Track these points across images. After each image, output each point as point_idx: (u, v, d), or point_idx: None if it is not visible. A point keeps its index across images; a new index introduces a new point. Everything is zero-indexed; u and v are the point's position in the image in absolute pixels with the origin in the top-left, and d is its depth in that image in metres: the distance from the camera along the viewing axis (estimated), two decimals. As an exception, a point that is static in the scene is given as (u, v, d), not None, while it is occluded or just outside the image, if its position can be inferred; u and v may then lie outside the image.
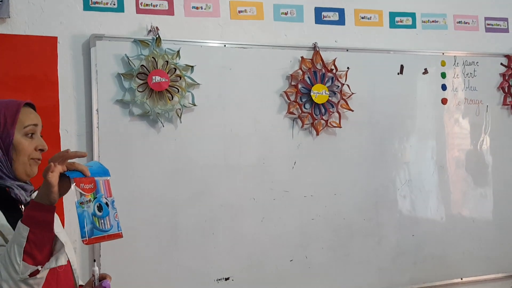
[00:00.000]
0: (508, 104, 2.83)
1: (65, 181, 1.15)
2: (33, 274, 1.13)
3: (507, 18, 2.91)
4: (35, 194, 1.36)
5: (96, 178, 1.19)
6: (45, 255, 1.15)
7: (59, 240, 1.21)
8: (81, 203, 1.14)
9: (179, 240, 2.24)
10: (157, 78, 2.18)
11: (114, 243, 1.26)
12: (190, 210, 2.26)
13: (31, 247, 1.12)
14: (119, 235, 1.20)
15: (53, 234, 1.19)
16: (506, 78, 2.83)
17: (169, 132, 2.24)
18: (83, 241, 1.13)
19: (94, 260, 2.09)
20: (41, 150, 1.32)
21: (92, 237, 1.14)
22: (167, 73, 2.21)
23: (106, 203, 1.19)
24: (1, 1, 2.05)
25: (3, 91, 1.98)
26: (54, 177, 1.13)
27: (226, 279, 2.31)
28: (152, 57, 2.20)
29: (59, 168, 1.15)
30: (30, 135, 1.30)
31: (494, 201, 2.80)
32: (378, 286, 2.55)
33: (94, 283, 1.42)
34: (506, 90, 2.82)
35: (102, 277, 1.45)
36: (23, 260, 1.12)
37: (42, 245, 1.14)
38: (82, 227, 1.13)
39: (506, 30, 2.91)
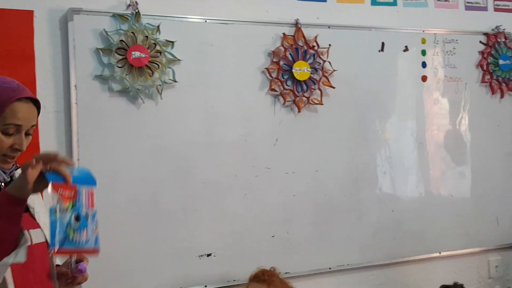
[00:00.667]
0: (486, 82, 2.85)
1: (44, 181, 1.09)
2: None
3: (487, -5, 2.93)
4: (18, 171, 1.33)
5: (78, 187, 1.12)
6: (4, 249, 1.12)
7: (25, 235, 1.17)
8: (56, 210, 1.08)
9: (161, 217, 2.23)
10: (136, 54, 2.15)
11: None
12: (172, 187, 2.25)
13: None
14: (95, 251, 1.13)
15: (19, 228, 1.15)
16: (485, 56, 2.85)
17: (149, 109, 2.22)
18: (50, 251, 1.06)
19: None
20: (17, 149, 1.25)
21: (62, 248, 1.07)
22: (147, 48, 2.18)
23: (86, 215, 1.12)
24: (-26, -28, 1.98)
25: (-22, 66, 1.93)
26: (31, 175, 1.07)
27: (208, 255, 2.31)
28: (132, 32, 2.16)
29: (40, 167, 1.09)
30: (10, 133, 1.23)
31: (472, 178, 2.85)
32: (358, 261, 2.58)
33: (71, 264, 1.40)
34: (485, 68, 2.85)
35: (79, 259, 1.42)
36: None
37: (3, 239, 1.10)
38: (52, 236, 1.06)
39: (485, 8, 2.93)
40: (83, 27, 2.11)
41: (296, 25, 2.47)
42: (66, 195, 1.09)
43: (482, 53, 2.86)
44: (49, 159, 1.11)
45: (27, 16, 2.05)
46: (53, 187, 1.07)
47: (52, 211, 1.07)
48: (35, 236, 1.33)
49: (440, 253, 2.75)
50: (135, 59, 2.15)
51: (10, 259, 1.13)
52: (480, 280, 2.81)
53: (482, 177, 2.87)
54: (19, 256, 1.14)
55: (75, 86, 2.10)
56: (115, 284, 2.15)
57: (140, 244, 2.19)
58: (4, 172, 1.27)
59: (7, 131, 1.22)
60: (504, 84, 2.88)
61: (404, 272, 2.70)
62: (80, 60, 2.11)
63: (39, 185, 1.10)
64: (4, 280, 1.22)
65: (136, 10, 2.18)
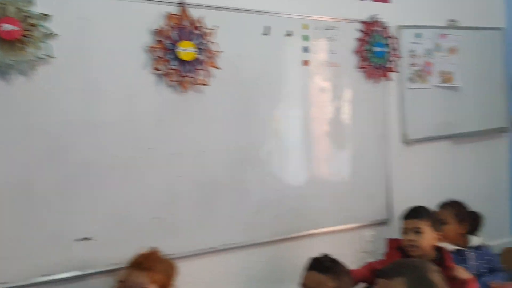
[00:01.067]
0: (363, 67, 3.01)
1: None
2: None
3: (366, -14, 3.08)
4: None
5: None
6: None
7: None
8: None
9: (34, 200, 2.12)
10: (7, 26, 2.00)
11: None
12: (46, 169, 2.14)
13: None
14: None
15: None
16: (362, 43, 3.01)
17: (22, 85, 2.08)
18: None
19: None
20: None
21: None
22: (20, 21, 2.03)
23: None
24: None
25: None
26: None
27: (87, 239, 2.23)
28: (1, 3, 2.00)
29: None
30: None
31: (350, 159, 3.00)
32: (242, 240, 2.63)
33: None
34: (362, 55, 3.01)
35: None
36: None
37: None
38: None
39: (363, -3, 3.08)
40: None
41: (182, 4, 2.44)
42: None
43: (359, 40, 3.00)
44: None
45: None
46: None
47: None
48: None
49: (319, 229, 2.87)
50: (5, 32, 2.00)
51: None
52: (354, 253, 2.98)
53: (358, 158, 3.04)
54: None
55: None
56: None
57: (10, 230, 2.07)
58: None
59: None
60: (378, 70, 3.06)
61: (287, 249, 2.80)
62: None
63: None
64: None
65: (7, -21, 2.02)
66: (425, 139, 3.30)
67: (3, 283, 2.09)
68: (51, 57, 2.13)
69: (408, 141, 3.22)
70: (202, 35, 2.48)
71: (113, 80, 2.29)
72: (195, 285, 2.44)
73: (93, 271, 2.27)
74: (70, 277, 2.23)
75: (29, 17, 2.06)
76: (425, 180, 3.29)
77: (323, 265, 2.03)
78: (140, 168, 2.37)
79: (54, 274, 2.20)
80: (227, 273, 2.60)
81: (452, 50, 3.38)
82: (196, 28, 2.47)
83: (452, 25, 3.41)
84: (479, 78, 3.52)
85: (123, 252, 2.21)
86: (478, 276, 2.65)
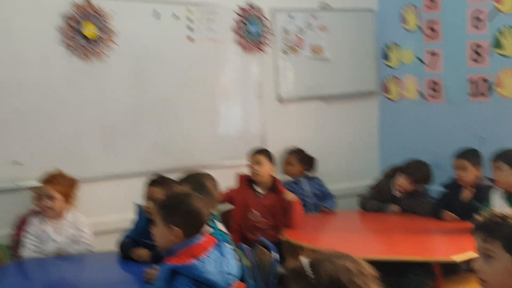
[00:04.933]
0: (240, 43, 3.92)
1: None
2: None
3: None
4: None
5: None
6: None
7: None
8: None
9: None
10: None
11: None
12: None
13: None
14: None
15: None
16: (238, 23, 3.91)
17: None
18: None
19: None
20: None
21: None
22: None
23: None
24: None
25: None
26: None
27: (18, 163, 3.22)
28: None
29: None
30: None
31: (232, 114, 3.95)
32: (139, 170, 3.55)
33: None
34: (239, 33, 3.91)
35: None
36: None
37: None
38: None
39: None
40: None
41: (86, -4, 3.37)
42: None
43: (236, 22, 3.91)
44: None
45: None
46: None
47: None
48: None
49: (201, 165, 3.83)
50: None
51: None
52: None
53: (239, 113, 3.99)
54: None
55: None
56: None
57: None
58: None
59: None
60: (253, 45, 3.97)
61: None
62: None
63: None
64: None
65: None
66: (297, 98, 4.22)
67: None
68: (-17, 34, 3.08)
69: (281, 100, 4.15)
70: (102, 19, 3.40)
71: (33, 50, 3.23)
72: (98, 202, 3.43)
73: (23, 184, 3.24)
74: (6, 188, 3.22)
75: (-33, 7, 3.00)
76: (296, 132, 4.22)
77: (155, 180, 2.96)
78: (56, 115, 3.34)
79: (-5, 185, 3.18)
80: (124, 194, 3.49)
81: (322, 28, 4.27)
82: (98, 14, 3.39)
83: (323, 7, 4.27)
84: (350, 50, 4.40)
85: (42, 173, 3.17)
86: (313, 197, 3.65)
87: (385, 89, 4.51)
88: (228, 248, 2.25)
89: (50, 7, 3.27)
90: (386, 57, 4.48)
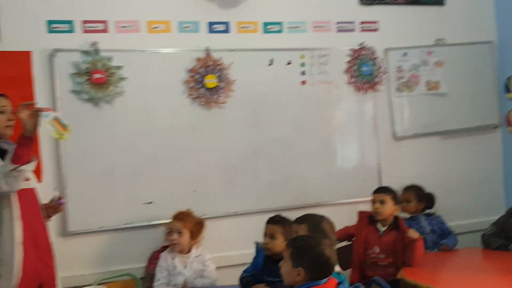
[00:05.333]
0: (352, 83, 4.03)
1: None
2: (15, 169, 2.39)
3: (354, 21, 4.09)
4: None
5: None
6: (25, 161, 2.42)
7: (33, 157, 2.49)
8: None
9: (115, 179, 3.51)
10: (97, 75, 3.43)
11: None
12: (123, 160, 3.53)
13: (16, 155, 2.39)
14: None
15: (30, 153, 2.45)
16: (351, 64, 4.03)
17: (107, 109, 3.49)
18: None
19: (55, 188, 3.33)
20: (11, 120, 2.58)
21: None
22: (104, 71, 3.45)
23: None
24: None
25: None
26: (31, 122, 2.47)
27: (150, 202, 3.58)
28: (94, 62, 3.43)
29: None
30: (2, 112, 2.55)
31: (350, 153, 4.04)
32: (255, 208, 3.77)
33: (54, 201, 2.72)
34: (351, 73, 4.03)
35: (59, 198, 2.74)
36: (11, 163, 2.39)
37: (22, 155, 2.41)
38: None
39: (352, 30, 4.09)
40: (63, 60, 3.40)
41: (207, 50, 3.70)
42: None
43: (348, 62, 4.04)
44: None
45: (26, 55, 3.33)
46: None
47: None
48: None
49: (319, 202, 3.93)
50: (97, 79, 3.43)
51: (29, 166, 2.44)
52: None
53: (355, 151, 4.07)
54: (32, 165, 2.45)
55: (59, 97, 3.39)
56: None
57: (102, 196, 3.49)
58: (7, 143, 2.59)
59: (1, 111, 2.59)
60: (365, 84, 4.06)
61: (293, 215, 3.87)
62: (61, 81, 3.39)
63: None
64: (10, 205, 2.51)
65: (96, 47, 3.45)
66: (413, 135, 4.20)
67: (101, 227, 3.51)
68: (124, 91, 3.51)
69: (396, 137, 4.16)
70: (221, 69, 3.72)
71: (163, 103, 3.62)
72: (221, 238, 3.69)
73: (154, 222, 3.60)
74: (141, 225, 3.58)
75: (109, 68, 3.47)
76: (413, 168, 4.18)
77: (274, 219, 3.12)
78: (183, 159, 3.66)
79: (131, 223, 3.56)
80: (244, 231, 3.72)
81: (438, 64, 4.23)
82: (217, 65, 3.71)
83: (439, 43, 4.25)
84: (469, 84, 4.31)
85: (172, 211, 3.49)
86: (432, 234, 3.60)
87: (508, 123, 4.31)
88: (347, 289, 2.33)
89: (178, 63, 3.64)
90: (508, 90, 4.31)
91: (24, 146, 2.45)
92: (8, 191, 2.45)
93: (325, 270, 2.26)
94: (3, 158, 2.54)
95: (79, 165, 3.43)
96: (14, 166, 2.40)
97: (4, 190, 2.43)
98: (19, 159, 2.42)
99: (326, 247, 2.29)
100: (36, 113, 2.48)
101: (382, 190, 3.59)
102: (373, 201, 3.56)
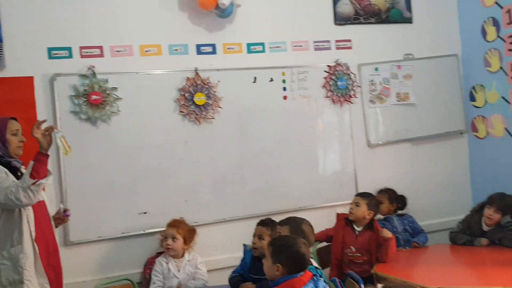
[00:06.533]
0: (328, 97, 4.38)
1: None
2: (35, 183, 2.67)
3: (329, 40, 4.44)
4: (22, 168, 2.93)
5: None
6: (42, 176, 2.71)
7: (49, 171, 2.78)
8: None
9: (114, 191, 3.80)
10: (94, 97, 3.72)
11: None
12: (121, 173, 3.81)
13: (34, 171, 2.68)
14: None
15: (46, 169, 2.75)
16: (327, 80, 4.38)
17: (104, 128, 3.78)
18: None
19: (61, 201, 3.62)
20: (22, 141, 2.88)
21: None
22: (101, 93, 3.75)
23: None
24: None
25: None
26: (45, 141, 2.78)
27: (145, 212, 3.87)
28: (91, 84, 3.72)
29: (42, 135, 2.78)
30: (15, 134, 2.85)
31: (327, 160, 4.38)
32: (243, 214, 4.08)
33: (60, 212, 3.01)
34: (327, 88, 4.38)
35: (65, 210, 3.03)
36: (29, 177, 2.67)
37: (40, 171, 2.69)
38: None
39: (329, 48, 4.44)
40: (62, 83, 3.68)
41: (196, 71, 4.02)
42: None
43: (325, 78, 4.38)
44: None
45: (29, 80, 3.60)
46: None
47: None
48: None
49: (300, 207, 4.27)
50: (94, 100, 3.72)
51: (47, 180, 2.74)
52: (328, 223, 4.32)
53: (333, 159, 4.41)
54: (49, 179, 2.75)
55: (59, 117, 3.68)
56: None
57: (102, 207, 3.78)
58: (18, 162, 2.88)
59: (14, 133, 2.86)
60: (342, 97, 4.41)
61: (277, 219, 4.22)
62: (62, 102, 3.67)
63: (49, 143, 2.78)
64: (25, 216, 2.81)
65: (93, 71, 3.74)
66: (386, 143, 4.56)
67: (99, 236, 3.80)
68: (119, 111, 3.81)
69: (370, 145, 4.52)
70: (210, 88, 4.04)
71: (156, 120, 3.91)
72: (211, 243, 3.99)
73: (149, 231, 3.89)
74: (137, 234, 3.88)
75: (105, 90, 3.75)
76: (386, 173, 4.55)
77: (264, 221, 3.44)
78: (175, 171, 3.96)
79: (128, 232, 3.86)
80: (232, 236, 4.04)
81: (407, 76, 4.61)
82: (205, 83, 4.03)
83: (407, 58, 4.63)
84: (436, 94, 4.69)
85: (166, 220, 3.80)
86: (404, 233, 3.96)
87: (474, 128, 4.71)
88: (322, 282, 2.66)
89: (169, 83, 3.94)
90: (472, 98, 4.70)
91: (41, 162, 2.74)
92: (28, 204, 2.74)
93: (300, 265, 2.59)
94: (15, 175, 2.83)
95: (78, 179, 3.71)
96: (33, 181, 2.68)
97: (24, 203, 2.71)
98: (37, 174, 2.70)
99: (301, 245, 2.62)
100: (49, 132, 2.78)
101: (360, 194, 3.95)
102: (352, 204, 3.90)
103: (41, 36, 3.67)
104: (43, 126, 2.86)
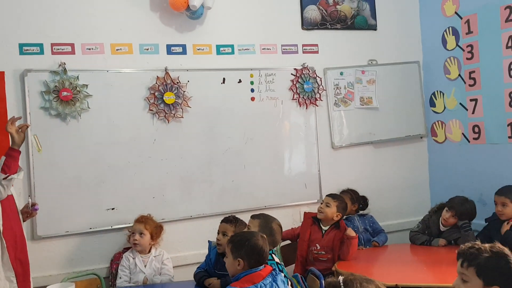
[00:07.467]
0: (295, 99, 4.53)
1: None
2: (6, 178, 2.73)
3: (297, 44, 4.59)
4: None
5: None
6: (13, 171, 2.76)
7: (21, 167, 2.83)
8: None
9: (82, 187, 3.86)
10: (64, 93, 3.77)
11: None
12: (89, 169, 3.88)
13: (6, 166, 2.73)
14: None
15: (17, 164, 2.81)
16: (294, 82, 4.53)
17: (74, 124, 3.84)
18: None
19: (29, 195, 3.66)
20: None
21: None
22: (71, 90, 3.80)
23: None
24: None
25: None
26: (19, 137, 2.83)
27: (113, 208, 3.95)
28: (62, 81, 3.78)
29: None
30: None
31: (292, 161, 4.52)
32: (209, 211, 4.22)
33: (28, 207, 3.07)
34: (294, 90, 4.53)
35: (33, 204, 3.08)
36: (1, 172, 2.73)
37: (11, 166, 2.74)
38: None
39: (296, 52, 4.59)
40: (33, 79, 3.72)
41: (166, 70, 4.11)
42: None
43: (292, 81, 4.53)
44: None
45: (0, 75, 3.65)
46: None
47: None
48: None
49: (265, 206, 4.40)
50: (64, 96, 3.77)
51: (18, 175, 2.78)
52: (292, 222, 4.46)
53: (298, 160, 4.55)
54: (20, 175, 2.80)
55: (29, 113, 3.72)
56: None
57: (69, 203, 3.83)
58: None
59: None
60: (307, 100, 4.56)
61: (244, 218, 4.33)
62: (32, 98, 3.71)
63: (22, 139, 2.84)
64: None
65: (64, 68, 3.79)
66: (349, 145, 4.73)
67: (67, 231, 3.85)
68: (89, 108, 3.87)
69: (334, 147, 4.68)
70: (179, 87, 4.14)
71: (125, 117, 3.99)
72: (177, 240, 4.09)
73: (116, 226, 3.96)
74: (104, 229, 3.94)
75: (76, 86, 3.82)
76: (349, 174, 4.71)
77: (228, 218, 3.56)
78: (143, 168, 4.04)
79: (95, 227, 3.92)
80: (198, 233, 4.14)
81: (370, 81, 4.79)
82: (175, 83, 4.13)
83: (371, 64, 4.81)
84: (398, 99, 4.88)
85: (133, 217, 3.88)
86: (365, 233, 4.11)
87: (433, 133, 4.92)
88: (281, 276, 2.79)
89: (139, 82, 4.02)
90: (432, 104, 4.91)
91: (12, 158, 2.80)
92: None
93: (260, 258, 2.71)
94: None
95: (47, 174, 3.76)
96: (4, 175, 2.73)
97: None
98: (8, 170, 2.76)
99: (259, 239, 2.75)
100: (24, 128, 2.83)
101: (331, 195, 4.06)
102: (322, 203, 4.03)
103: (12, 31, 3.71)
104: (17, 123, 2.90)
